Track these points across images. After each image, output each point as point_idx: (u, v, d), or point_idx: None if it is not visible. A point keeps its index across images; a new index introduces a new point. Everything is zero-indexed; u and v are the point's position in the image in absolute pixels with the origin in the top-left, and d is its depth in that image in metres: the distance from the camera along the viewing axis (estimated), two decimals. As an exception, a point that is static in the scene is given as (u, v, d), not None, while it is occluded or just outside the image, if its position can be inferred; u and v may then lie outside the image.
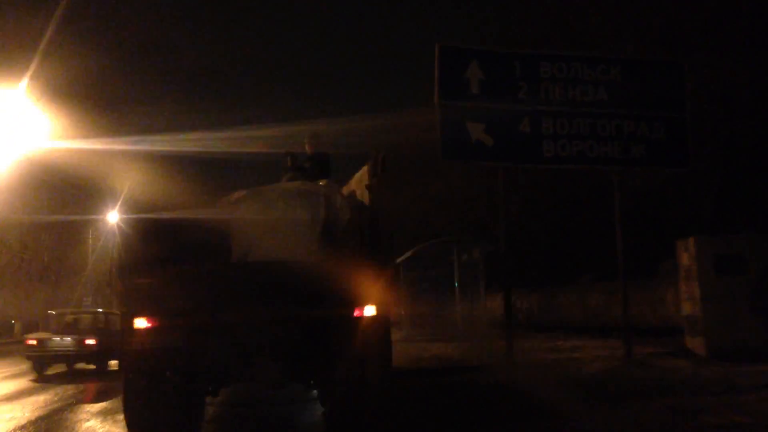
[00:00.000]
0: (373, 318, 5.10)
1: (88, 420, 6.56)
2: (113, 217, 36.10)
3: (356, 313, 5.09)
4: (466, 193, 23.68)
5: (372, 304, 5.11)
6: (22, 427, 6.30)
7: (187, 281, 5.00)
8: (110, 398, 7.32)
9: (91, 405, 7.37)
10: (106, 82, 24.78)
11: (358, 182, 6.10)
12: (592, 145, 7.61)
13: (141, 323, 4.93)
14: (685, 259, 9.29)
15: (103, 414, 6.76)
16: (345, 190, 6.34)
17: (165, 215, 5.58)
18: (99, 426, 6.25)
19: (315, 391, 6.06)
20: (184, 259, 5.18)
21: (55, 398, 8.05)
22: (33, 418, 6.74)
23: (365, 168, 5.88)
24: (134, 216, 5.37)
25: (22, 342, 12.58)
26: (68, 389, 8.90)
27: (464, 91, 7.33)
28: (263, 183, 6.53)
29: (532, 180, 20.44)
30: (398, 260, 16.95)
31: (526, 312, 18.60)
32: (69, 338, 11.10)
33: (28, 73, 20.91)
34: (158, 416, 4.93)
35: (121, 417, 5.22)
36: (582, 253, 21.51)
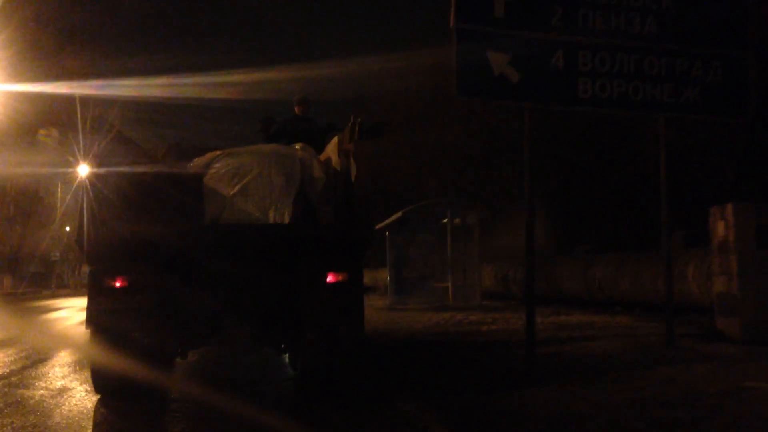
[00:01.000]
0: (345, 284, 5.15)
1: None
2: (84, 169, 34.98)
3: (329, 279, 5.13)
4: (462, 150, 22.46)
5: (344, 270, 5.16)
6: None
7: (158, 242, 4.95)
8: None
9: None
10: (64, 23, 23.06)
11: (335, 147, 5.99)
12: (637, 86, 6.33)
13: (110, 282, 4.91)
14: (720, 228, 8.17)
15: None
16: (322, 155, 6.29)
17: (138, 172, 5.57)
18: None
19: (286, 356, 6.15)
20: (156, 219, 5.23)
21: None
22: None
23: (342, 133, 5.81)
24: (106, 171, 5.23)
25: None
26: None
27: (487, 12, 5.98)
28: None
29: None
30: (385, 222, 16.25)
31: (519, 283, 17.34)
32: None
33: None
34: (125, 377, 4.89)
35: None
36: (579, 223, 20.54)
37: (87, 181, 5.18)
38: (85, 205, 4.98)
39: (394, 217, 15.99)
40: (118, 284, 4.91)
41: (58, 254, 40.29)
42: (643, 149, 15.47)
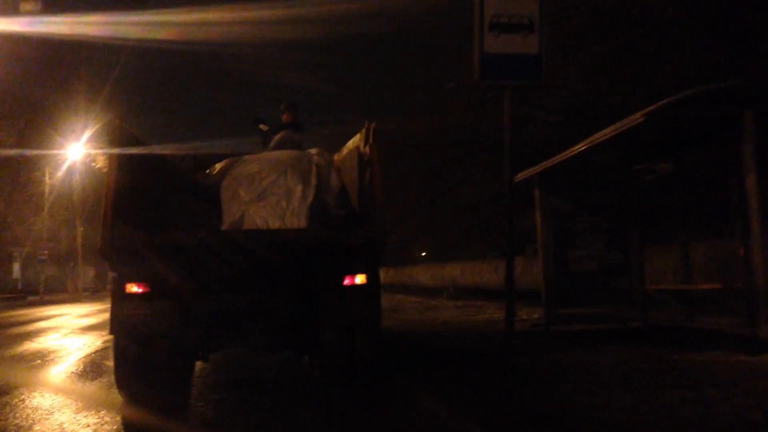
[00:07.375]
0: (362, 286, 5.59)
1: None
2: (76, 152, 33.39)
3: (346, 282, 5.57)
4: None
5: (361, 272, 5.59)
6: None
7: (179, 248, 5.37)
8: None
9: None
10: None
11: (351, 152, 6.42)
12: None
13: (133, 289, 5.38)
14: None
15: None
16: (337, 158, 6.78)
17: (158, 176, 6.21)
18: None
19: (306, 357, 6.62)
20: (175, 224, 5.75)
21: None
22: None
23: (357, 137, 6.23)
24: (128, 176, 5.61)
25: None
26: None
27: None
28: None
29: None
30: (534, 169, 9.12)
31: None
32: None
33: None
34: (148, 379, 5.44)
35: None
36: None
37: (106, 186, 5.52)
38: (105, 212, 5.35)
39: (613, 130, 7.14)
40: (140, 290, 5.39)
41: (46, 253, 36.07)
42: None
